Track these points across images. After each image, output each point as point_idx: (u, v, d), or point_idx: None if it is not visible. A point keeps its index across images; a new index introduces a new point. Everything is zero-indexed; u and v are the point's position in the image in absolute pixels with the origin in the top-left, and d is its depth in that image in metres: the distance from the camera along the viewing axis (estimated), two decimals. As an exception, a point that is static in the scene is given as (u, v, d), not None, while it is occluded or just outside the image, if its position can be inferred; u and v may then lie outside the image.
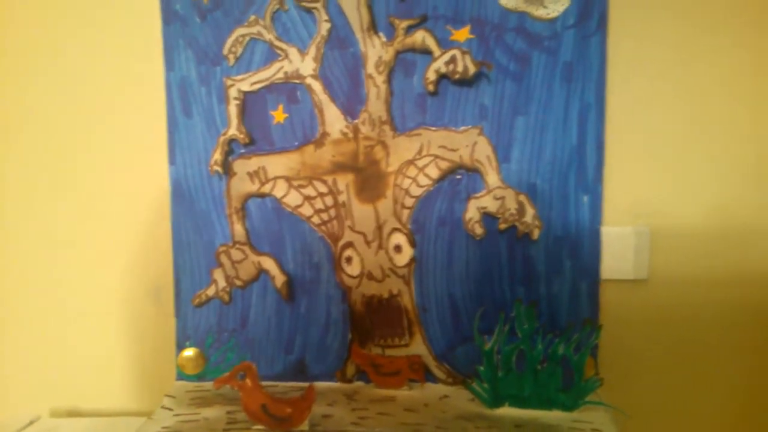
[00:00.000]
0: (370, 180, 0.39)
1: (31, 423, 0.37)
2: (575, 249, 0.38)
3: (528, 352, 0.36)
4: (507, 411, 0.36)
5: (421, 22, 0.38)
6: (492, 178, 0.38)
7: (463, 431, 0.34)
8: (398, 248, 0.39)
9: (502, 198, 0.38)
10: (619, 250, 0.38)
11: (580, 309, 0.38)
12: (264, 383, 0.34)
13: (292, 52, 0.39)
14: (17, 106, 0.42)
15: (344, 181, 0.39)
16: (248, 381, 0.33)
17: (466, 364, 0.39)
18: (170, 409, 0.37)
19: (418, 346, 0.40)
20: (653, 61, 0.38)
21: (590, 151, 0.38)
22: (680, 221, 0.38)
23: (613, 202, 0.38)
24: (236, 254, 0.40)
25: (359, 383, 0.40)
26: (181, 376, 0.41)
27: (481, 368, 0.37)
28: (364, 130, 0.39)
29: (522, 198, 0.38)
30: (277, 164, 0.40)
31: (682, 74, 0.38)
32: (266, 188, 0.40)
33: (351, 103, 0.39)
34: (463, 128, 0.38)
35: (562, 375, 0.36)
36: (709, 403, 0.39)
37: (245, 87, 0.39)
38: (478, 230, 0.38)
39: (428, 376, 0.40)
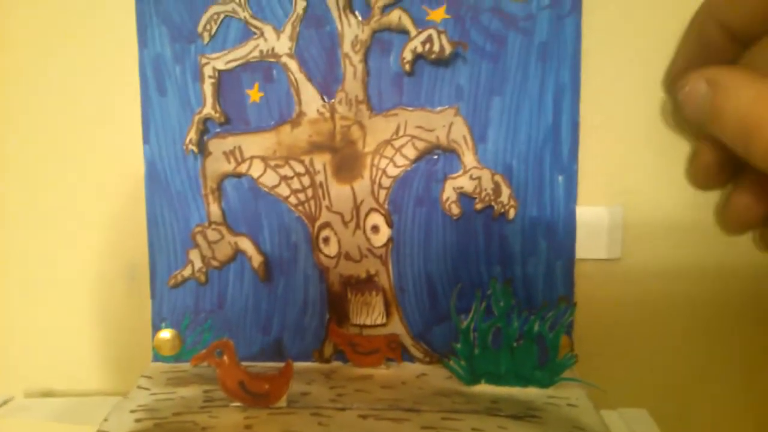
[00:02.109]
0: (347, 160, 0.39)
1: (5, 403, 0.36)
2: (550, 228, 0.38)
3: (504, 330, 0.37)
4: (484, 388, 0.37)
5: (398, 1, 0.38)
6: (468, 158, 0.38)
7: (441, 407, 0.34)
8: (375, 228, 0.39)
9: (479, 178, 0.38)
10: (593, 230, 0.39)
11: (555, 288, 0.38)
12: (241, 363, 0.35)
13: (268, 30, 0.39)
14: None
15: (321, 161, 0.39)
16: (225, 358, 0.33)
17: (443, 344, 0.39)
18: (146, 389, 0.37)
19: (396, 326, 0.40)
20: (628, 41, 0.38)
21: (565, 131, 0.38)
22: (654, 202, 0.39)
23: (588, 182, 0.39)
24: (212, 234, 0.40)
25: (337, 363, 0.40)
26: (157, 357, 0.40)
27: (458, 346, 0.37)
28: (341, 109, 0.39)
29: (498, 178, 0.38)
30: (253, 144, 0.39)
31: (658, 54, 0.38)
32: (242, 168, 0.40)
33: (327, 83, 0.39)
34: (439, 108, 0.38)
35: (537, 352, 0.36)
36: (678, 373, 0.39)
37: (220, 65, 0.39)
38: (455, 210, 0.39)
39: (405, 356, 0.40)
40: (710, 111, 0.28)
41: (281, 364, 0.35)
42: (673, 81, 0.36)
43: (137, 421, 0.33)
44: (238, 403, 0.34)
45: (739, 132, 0.27)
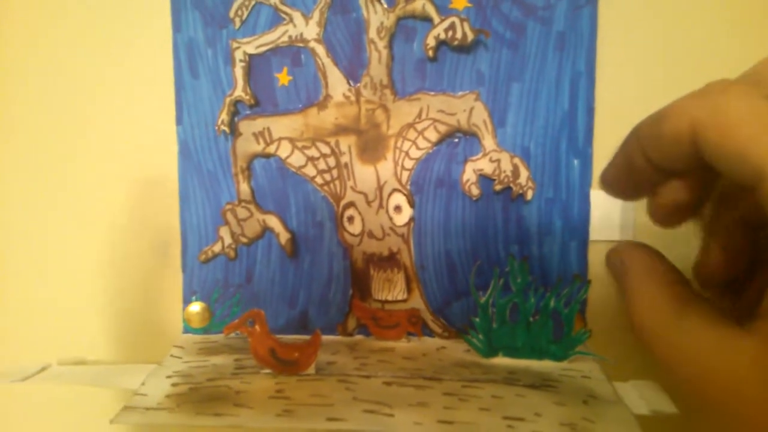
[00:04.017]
0: (371, 142, 0.41)
1: (42, 369, 0.38)
2: (566, 210, 0.40)
3: (521, 305, 0.38)
4: (501, 360, 0.38)
5: (422, -11, 0.39)
6: (488, 141, 0.40)
7: (460, 376, 0.36)
8: (398, 208, 0.41)
9: (498, 161, 0.40)
10: (607, 212, 0.40)
11: (570, 266, 0.40)
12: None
13: (297, 16, 0.40)
14: (27, 64, 0.43)
15: (346, 143, 0.41)
16: (257, 327, 0.35)
17: (462, 319, 0.41)
18: (179, 357, 0.39)
19: (416, 302, 0.42)
20: (642, 31, 0.39)
21: (581, 117, 0.39)
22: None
23: (603, 166, 0.40)
24: (242, 212, 0.42)
25: (359, 336, 0.42)
26: (188, 329, 0.42)
27: (477, 320, 0.39)
28: (366, 93, 0.41)
29: (516, 161, 0.40)
30: (281, 125, 0.41)
31: (670, 44, 0.39)
32: (271, 149, 0.41)
33: (353, 67, 0.41)
34: (460, 93, 0.40)
35: (553, 327, 0.38)
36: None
37: (251, 49, 0.41)
38: (475, 191, 0.40)
39: (425, 330, 0.42)
40: (622, 280, 0.34)
41: (307, 337, 0.37)
42: (605, 186, 0.37)
43: (173, 385, 0.35)
44: (268, 370, 0.36)
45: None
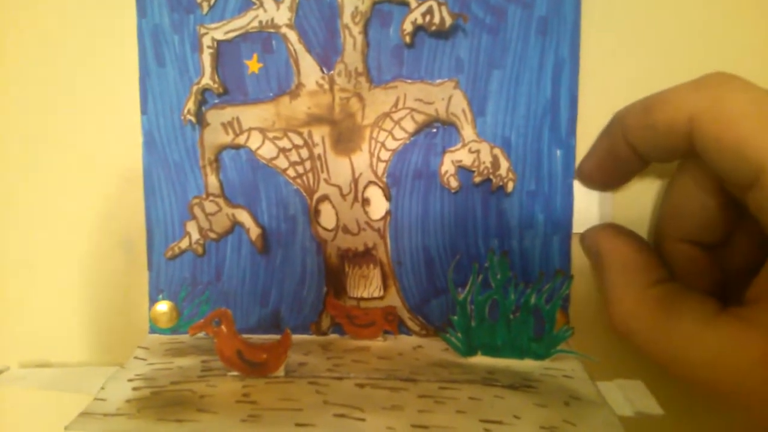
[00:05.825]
0: (345, 132, 0.39)
1: (0, 372, 0.36)
2: (548, 202, 0.38)
3: (501, 302, 0.37)
4: (480, 359, 0.37)
5: (398, -28, 0.37)
6: (467, 131, 0.38)
7: (438, 377, 0.34)
8: (373, 201, 0.39)
9: (477, 151, 0.38)
10: (591, 204, 0.39)
11: (552, 261, 0.39)
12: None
13: (267, 0, 0.38)
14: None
15: (320, 134, 0.39)
16: (223, 327, 0.33)
17: (440, 317, 0.40)
18: (143, 359, 0.37)
19: (393, 299, 0.40)
20: (627, 16, 0.38)
21: (564, 106, 0.38)
22: (652, 176, 0.39)
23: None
24: (210, 206, 0.40)
25: (334, 335, 0.40)
26: (154, 329, 0.41)
27: (455, 318, 0.37)
28: (340, 81, 0.39)
29: (496, 151, 0.38)
30: (251, 115, 0.39)
31: (656, 31, 0.38)
32: (240, 139, 0.39)
33: (327, 54, 0.39)
34: (439, 81, 0.38)
35: (534, 324, 0.37)
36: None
37: (219, 35, 0.39)
38: (454, 183, 0.39)
39: (402, 329, 0.40)
40: (600, 275, 0.36)
41: (278, 337, 0.35)
42: (583, 176, 0.38)
43: (135, 389, 0.33)
44: (235, 373, 0.34)
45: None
